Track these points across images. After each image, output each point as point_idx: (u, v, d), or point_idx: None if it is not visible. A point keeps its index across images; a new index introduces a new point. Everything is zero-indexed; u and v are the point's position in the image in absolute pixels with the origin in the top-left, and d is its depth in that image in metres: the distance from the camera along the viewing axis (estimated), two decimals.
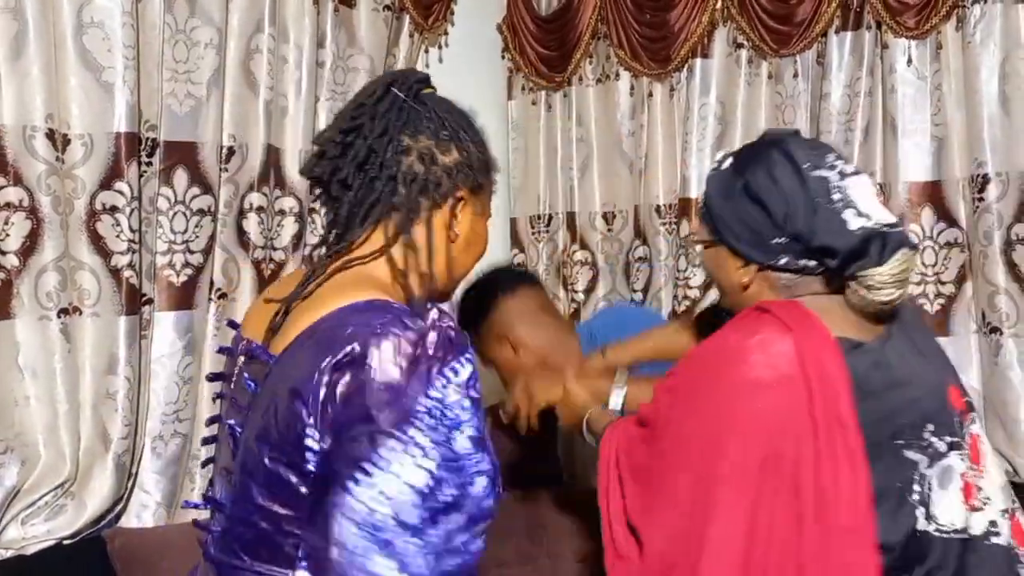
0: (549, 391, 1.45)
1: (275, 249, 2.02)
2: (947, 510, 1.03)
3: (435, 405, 0.81)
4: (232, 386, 1.00)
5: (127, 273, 1.72)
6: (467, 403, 0.83)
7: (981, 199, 1.97)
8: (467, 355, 0.85)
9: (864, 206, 1.07)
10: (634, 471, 1.10)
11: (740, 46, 2.31)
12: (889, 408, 1.03)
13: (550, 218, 2.65)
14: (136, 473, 1.83)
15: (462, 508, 0.81)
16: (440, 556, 0.80)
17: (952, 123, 2.02)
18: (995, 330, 1.96)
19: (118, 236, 1.70)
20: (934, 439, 1.04)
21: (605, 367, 1.44)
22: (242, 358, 0.99)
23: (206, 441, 1.09)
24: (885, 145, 2.09)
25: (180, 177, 1.85)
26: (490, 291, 1.83)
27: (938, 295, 2.05)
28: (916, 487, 1.02)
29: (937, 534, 1.02)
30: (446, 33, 2.51)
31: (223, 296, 1.93)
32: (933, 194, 2.06)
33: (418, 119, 0.99)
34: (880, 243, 1.04)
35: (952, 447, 1.05)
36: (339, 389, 0.81)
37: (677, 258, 2.38)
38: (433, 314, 0.86)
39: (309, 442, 0.83)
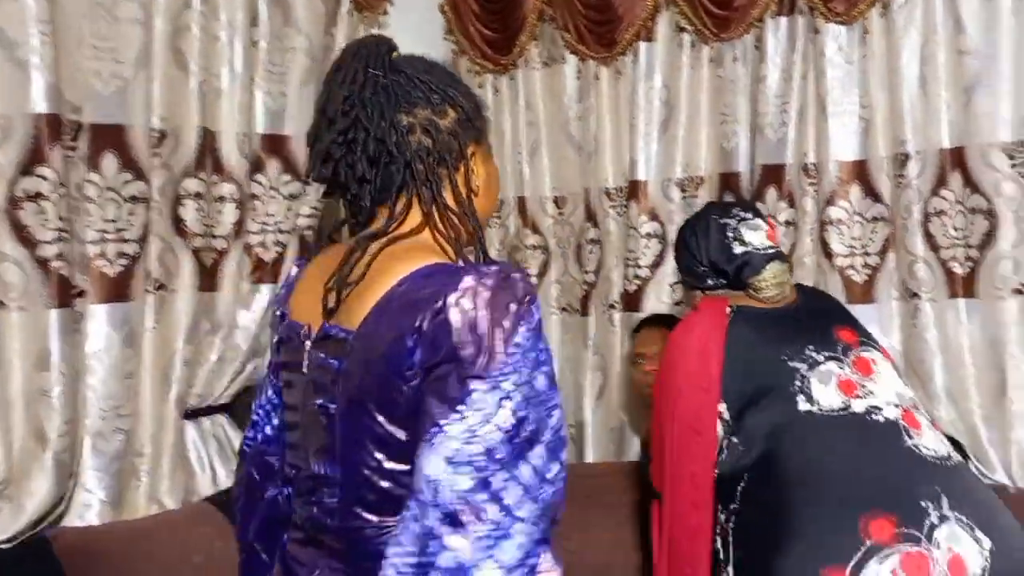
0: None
1: (215, 237, 2.20)
2: (825, 397, 1.76)
3: (518, 349, 1.03)
4: (306, 370, 1.19)
5: (56, 264, 1.83)
6: (542, 344, 1.07)
7: (902, 175, 2.50)
8: (537, 301, 1.09)
9: (749, 239, 1.93)
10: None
11: (683, 30, 2.79)
12: (774, 338, 1.85)
13: (501, 203, 3.10)
14: (77, 472, 1.99)
15: (544, 440, 1.04)
16: (531, 488, 1.01)
17: (877, 105, 2.54)
18: (914, 295, 2.50)
19: (44, 225, 1.81)
20: (813, 353, 1.82)
21: None
22: (308, 342, 1.19)
23: (286, 428, 1.29)
24: (817, 126, 2.61)
25: (109, 162, 1.97)
26: None
27: (865, 265, 2.58)
28: (797, 383, 1.77)
29: (820, 413, 1.74)
30: (386, 13, 2.78)
31: (162, 287, 2.11)
32: (860, 172, 2.58)
33: (406, 92, 1.15)
34: (756, 260, 1.90)
35: (830, 359, 1.81)
36: (432, 343, 1.03)
37: (627, 239, 2.87)
38: (500, 266, 1.09)
39: (411, 391, 1.06)
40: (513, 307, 1.05)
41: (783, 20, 2.66)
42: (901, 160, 2.51)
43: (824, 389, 1.75)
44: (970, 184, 2.44)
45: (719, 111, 2.78)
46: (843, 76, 2.59)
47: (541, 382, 1.06)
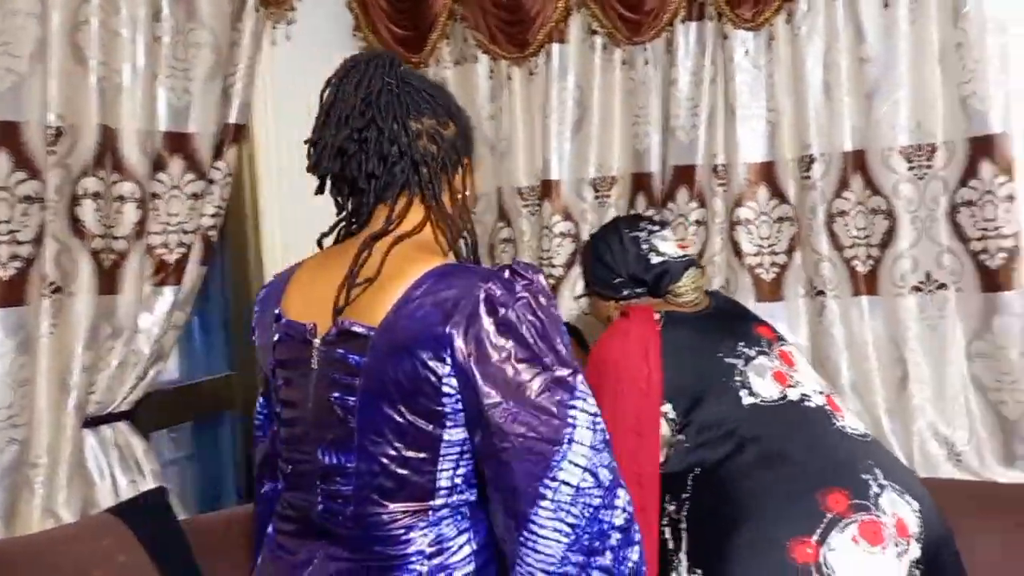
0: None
1: (115, 238, 2.14)
2: (765, 388, 1.86)
3: (563, 334, 1.22)
4: (315, 365, 1.27)
5: None
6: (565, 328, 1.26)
7: (807, 177, 2.57)
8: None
9: (663, 249, 2.02)
10: None
11: (595, 32, 2.81)
12: (706, 339, 1.94)
13: None
14: None
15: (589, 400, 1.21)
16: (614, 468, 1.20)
17: (783, 109, 2.61)
18: (820, 293, 2.58)
19: None
20: (745, 350, 1.92)
21: None
22: (315, 340, 1.27)
23: (283, 423, 1.35)
24: (726, 129, 2.66)
25: (2, 160, 1.89)
26: None
27: (772, 264, 2.65)
28: (737, 378, 1.87)
29: (763, 403, 1.84)
30: (293, 8, 2.73)
31: (58, 290, 2.03)
32: (767, 173, 2.65)
33: (416, 102, 1.28)
34: (674, 269, 2.00)
35: (760, 354, 1.92)
36: (483, 338, 1.16)
37: (540, 239, 2.87)
38: (527, 267, 1.23)
39: (447, 389, 1.18)
40: (552, 310, 1.22)
41: (692, 25, 2.70)
42: (806, 162, 2.58)
43: (762, 382, 1.87)
44: (871, 186, 2.52)
45: (632, 112, 2.80)
46: (751, 80, 2.65)
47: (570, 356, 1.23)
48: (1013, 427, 2.39)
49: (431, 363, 1.18)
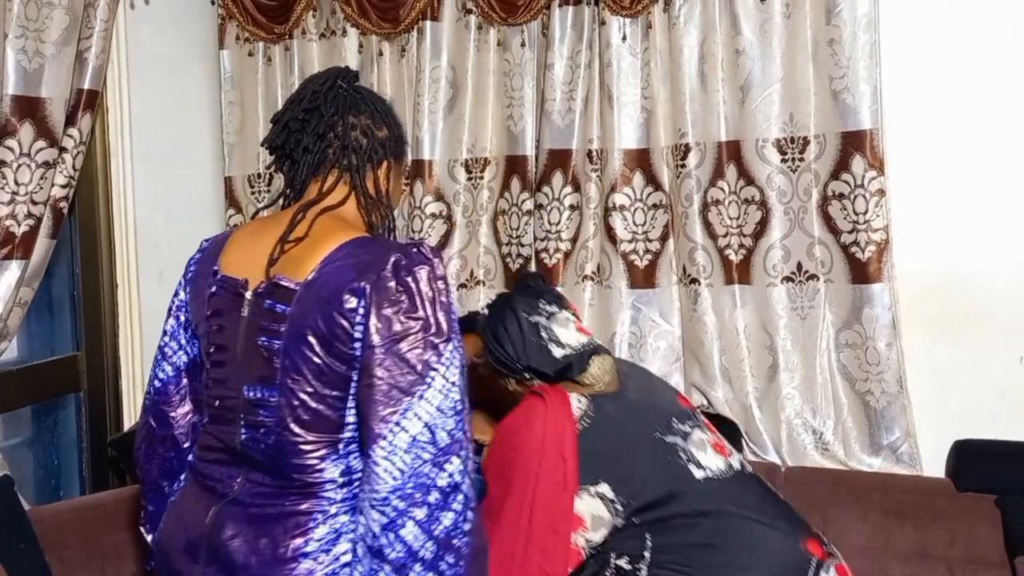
0: (486, 432, 2.01)
1: None
2: (711, 462, 1.74)
3: (455, 317, 1.33)
4: (244, 313, 1.40)
5: None
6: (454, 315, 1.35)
7: (683, 165, 2.46)
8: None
9: (565, 339, 1.81)
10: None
11: (469, 12, 2.63)
12: (637, 419, 1.76)
13: (271, 177, 2.78)
14: None
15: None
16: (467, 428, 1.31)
17: (658, 97, 2.49)
18: (694, 281, 2.46)
19: None
20: (680, 425, 1.78)
21: None
22: (247, 292, 1.40)
23: (213, 364, 1.46)
24: (603, 115, 2.52)
25: None
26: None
27: (646, 251, 2.52)
28: (682, 456, 1.73)
29: (715, 476, 1.73)
30: None
31: None
32: (642, 160, 2.52)
33: (358, 103, 1.46)
34: (578, 361, 1.79)
35: (693, 428, 1.79)
36: (385, 296, 1.28)
37: (412, 219, 2.65)
38: (432, 249, 1.36)
39: (356, 334, 1.29)
40: (443, 286, 1.33)
41: (570, 9, 2.56)
42: (682, 151, 2.46)
43: (706, 456, 1.76)
44: (744, 176, 2.44)
45: (506, 94, 2.64)
46: (628, 67, 2.52)
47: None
48: (878, 416, 2.33)
49: (345, 312, 1.30)
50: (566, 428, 1.70)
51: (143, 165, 2.62)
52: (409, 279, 1.29)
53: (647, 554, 1.68)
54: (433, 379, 1.27)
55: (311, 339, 1.32)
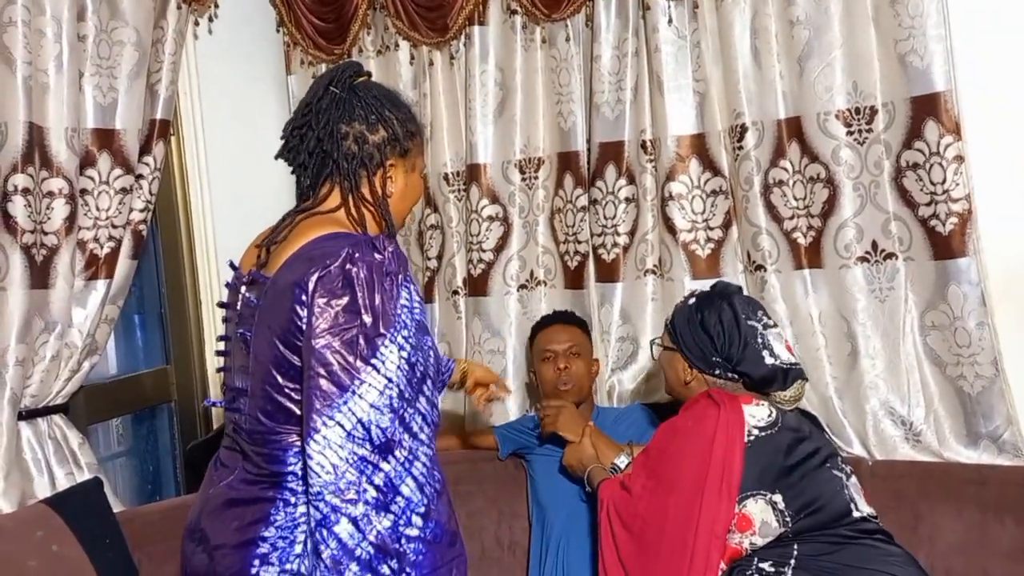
0: (574, 428, 2.06)
1: (46, 233, 1.99)
2: (866, 509, 1.72)
3: (405, 304, 1.26)
4: (238, 307, 1.41)
5: None
6: (416, 306, 1.29)
7: (741, 147, 2.20)
8: (410, 274, 1.31)
9: (776, 350, 1.77)
10: (625, 523, 1.76)
11: (514, 12, 2.46)
12: (814, 443, 1.74)
13: None
14: None
15: (426, 371, 1.28)
16: (428, 414, 1.27)
17: (711, 78, 2.25)
18: (759, 267, 2.20)
19: None
20: (843, 465, 1.77)
21: (615, 447, 2.02)
22: (243, 287, 1.41)
23: (219, 353, 1.49)
24: (652, 102, 2.30)
25: None
26: None
27: (708, 240, 2.28)
28: (846, 492, 1.71)
29: (864, 522, 1.70)
30: (216, 5, 2.55)
31: None
32: (698, 146, 2.28)
33: (352, 109, 1.39)
34: (783, 376, 1.76)
35: (852, 473, 1.78)
36: (327, 287, 1.23)
37: (468, 223, 2.50)
38: (388, 242, 1.29)
39: (302, 325, 1.25)
40: (399, 273, 1.27)
41: None
42: (738, 132, 2.21)
43: (861, 501, 1.74)
44: (808, 153, 2.15)
45: (555, 91, 2.45)
46: (676, 51, 2.29)
47: (421, 330, 1.30)
48: (974, 403, 2.01)
49: (297, 305, 1.26)
50: (736, 443, 1.68)
51: (220, 188, 2.61)
52: (354, 271, 1.24)
53: (792, 561, 1.64)
54: (369, 374, 1.21)
55: (271, 331, 1.30)
